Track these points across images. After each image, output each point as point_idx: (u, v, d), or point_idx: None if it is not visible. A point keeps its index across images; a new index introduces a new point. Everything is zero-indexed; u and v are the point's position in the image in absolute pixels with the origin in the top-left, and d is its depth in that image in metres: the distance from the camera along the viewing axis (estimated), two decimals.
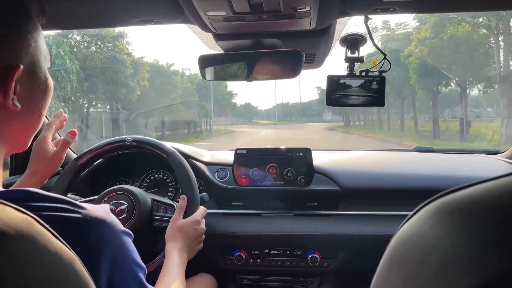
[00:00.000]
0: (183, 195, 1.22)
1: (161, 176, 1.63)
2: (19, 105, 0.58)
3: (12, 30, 0.57)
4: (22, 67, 0.57)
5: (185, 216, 1.18)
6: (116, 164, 1.63)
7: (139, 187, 1.60)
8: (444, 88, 20.10)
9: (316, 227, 1.40)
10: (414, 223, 0.35)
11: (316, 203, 1.46)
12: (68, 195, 1.33)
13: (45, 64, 0.65)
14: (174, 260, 1.05)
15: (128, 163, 1.63)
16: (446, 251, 0.28)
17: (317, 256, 1.39)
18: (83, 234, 0.54)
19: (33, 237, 0.38)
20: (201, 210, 1.23)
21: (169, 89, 24.06)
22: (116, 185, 1.63)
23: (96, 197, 1.25)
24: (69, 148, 1.69)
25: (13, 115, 0.58)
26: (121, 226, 0.61)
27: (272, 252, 1.42)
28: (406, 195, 1.42)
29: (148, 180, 1.63)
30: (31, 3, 0.61)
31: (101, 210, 0.58)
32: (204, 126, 33.28)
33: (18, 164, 1.52)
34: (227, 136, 31.22)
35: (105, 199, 1.22)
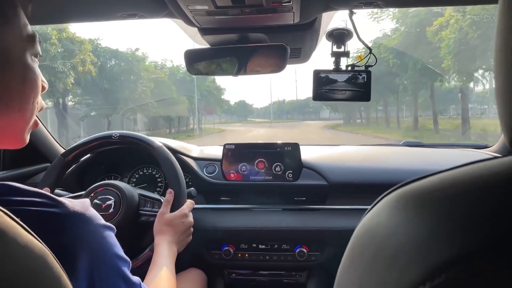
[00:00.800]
0: (170, 189, 1.22)
1: (150, 171, 1.63)
2: None
3: None
4: None
5: (172, 210, 1.19)
6: (105, 160, 1.63)
7: (128, 182, 1.61)
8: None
9: (304, 221, 1.41)
10: (374, 213, 0.36)
11: (304, 198, 1.46)
12: (56, 190, 1.33)
13: (26, 49, 0.58)
14: (164, 253, 1.06)
15: (117, 159, 1.63)
16: (400, 240, 0.29)
17: (305, 250, 1.40)
18: (60, 228, 0.53)
19: (2, 231, 0.38)
20: (188, 203, 1.24)
21: (131, 80, 20.24)
22: (105, 180, 1.63)
23: (83, 192, 1.25)
24: (58, 142, 1.69)
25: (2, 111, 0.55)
26: (101, 221, 0.61)
27: (260, 246, 1.42)
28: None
29: (136, 176, 1.63)
30: None
31: (79, 205, 0.58)
32: (192, 124, 31.38)
33: (6, 159, 1.52)
34: (214, 136, 28.06)
35: (92, 194, 1.22)
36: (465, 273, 0.23)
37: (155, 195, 1.29)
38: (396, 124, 23.88)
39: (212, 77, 25.14)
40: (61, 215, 0.54)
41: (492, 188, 0.28)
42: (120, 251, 0.63)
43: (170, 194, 1.22)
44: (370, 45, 1.24)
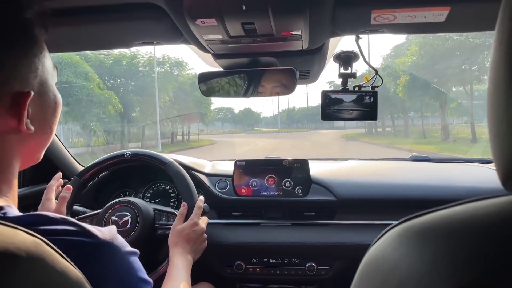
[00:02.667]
0: (184, 203, 1.27)
1: (163, 187, 1.69)
2: (32, 128, 0.60)
3: (19, 58, 0.58)
4: (32, 93, 0.59)
5: (185, 222, 1.23)
6: (120, 177, 1.68)
7: (142, 198, 1.66)
8: None
9: (314, 236, 1.45)
10: (380, 244, 0.39)
11: (313, 213, 1.50)
12: (74, 207, 1.39)
13: (53, 81, 0.67)
14: (178, 264, 1.09)
15: (131, 175, 1.68)
16: (403, 272, 0.32)
17: (314, 265, 1.43)
18: (92, 257, 0.57)
19: (42, 258, 0.41)
20: (196, 210, 1.26)
21: None
22: (120, 196, 1.69)
23: (100, 210, 1.30)
24: (74, 158, 1.75)
25: (26, 136, 0.61)
26: (128, 248, 0.64)
27: (271, 261, 1.46)
28: (401, 204, 1.46)
29: (150, 191, 1.69)
30: (35, 26, 0.62)
31: (108, 233, 0.61)
32: (183, 135, 28.05)
33: (26, 176, 1.58)
34: (186, 152, 17.64)
35: (109, 211, 1.28)
36: None
37: (169, 209, 1.34)
38: (438, 135, 20.96)
39: (190, 72, 23.93)
40: (92, 244, 0.57)
41: (484, 228, 0.31)
42: (144, 274, 0.67)
43: (184, 207, 1.26)
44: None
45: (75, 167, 1.74)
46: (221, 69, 1.25)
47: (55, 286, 0.42)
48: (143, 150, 1.42)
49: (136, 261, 0.65)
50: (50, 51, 0.68)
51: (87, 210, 1.45)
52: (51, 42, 0.67)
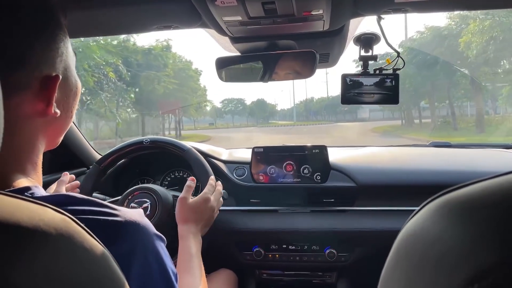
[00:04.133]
0: (192, 177, 1.21)
1: (181, 174, 1.69)
2: (59, 112, 0.61)
3: (48, 42, 0.59)
4: (60, 77, 0.59)
5: (194, 195, 1.16)
6: (138, 164, 1.69)
7: (161, 185, 1.66)
8: None
9: (333, 223, 1.43)
10: (418, 218, 0.38)
11: (332, 199, 1.48)
12: (94, 194, 1.39)
13: (74, 66, 0.67)
14: (192, 250, 1.01)
15: (150, 162, 1.69)
16: (445, 244, 0.31)
17: (334, 251, 1.42)
18: (119, 236, 0.56)
19: (71, 235, 0.41)
20: (209, 185, 1.20)
21: None
22: (138, 184, 1.69)
23: (120, 197, 1.31)
24: (92, 147, 1.76)
25: (52, 120, 0.61)
26: (154, 230, 0.63)
27: (290, 247, 1.45)
28: (422, 190, 1.43)
29: (169, 179, 1.69)
30: (59, 11, 0.62)
31: (136, 214, 0.60)
32: (178, 129, 25.08)
33: (44, 165, 1.59)
34: None
35: (129, 197, 1.28)
36: (510, 276, 0.26)
37: None
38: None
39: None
40: (120, 223, 0.56)
41: None
42: (170, 262, 0.65)
43: (192, 181, 1.18)
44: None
45: (93, 155, 1.75)
46: (239, 54, 1.24)
47: (83, 263, 0.42)
48: (161, 137, 1.42)
49: (163, 247, 0.64)
50: (69, 36, 0.68)
51: (106, 197, 1.45)
52: (70, 27, 0.67)
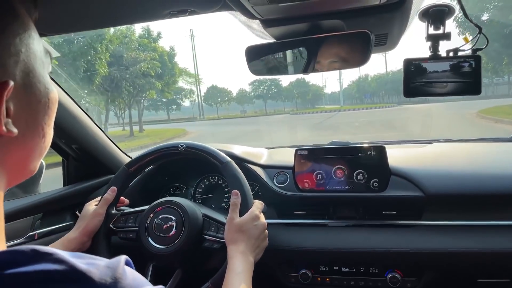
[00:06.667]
0: (235, 191, 1.09)
1: (216, 180, 1.50)
2: (15, 130, 0.45)
3: None
4: (12, 83, 0.43)
5: (241, 214, 1.06)
6: (169, 169, 1.52)
7: (194, 193, 1.49)
8: None
9: (396, 240, 1.18)
10: None
11: (394, 212, 1.23)
12: (113, 211, 1.24)
13: (45, 70, 0.52)
14: (238, 268, 0.95)
15: (181, 168, 1.51)
16: None
17: (398, 276, 1.17)
18: None
19: None
20: (257, 203, 1.11)
21: None
22: (170, 191, 1.53)
23: (146, 209, 1.15)
24: (123, 151, 1.62)
25: (10, 141, 0.46)
26: None
27: (343, 270, 1.22)
28: (509, 200, 1.15)
29: (203, 185, 1.51)
30: None
31: (112, 272, 0.42)
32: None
33: (70, 173, 1.48)
34: None
35: (151, 215, 1.11)
36: None
37: (221, 218, 1.13)
38: None
39: None
40: None
41: None
42: None
43: (236, 195, 1.09)
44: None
45: (123, 160, 1.60)
46: (274, 40, 1.01)
47: None
48: (198, 144, 1.23)
49: None
50: (68, 31, 0.51)
51: (128, 209, 1.30)
52: (70, 19, 0.49)
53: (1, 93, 0.43)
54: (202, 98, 49.98)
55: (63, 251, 0.42)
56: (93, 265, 0.41)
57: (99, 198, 1.21)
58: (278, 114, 42.01)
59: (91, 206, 1.19)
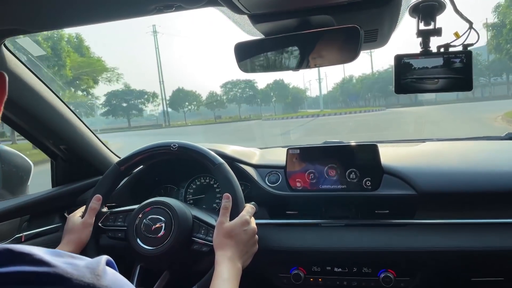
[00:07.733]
0: (227, 194, 1.06)
1: (207, 181, 1.48)
2: None
3: None
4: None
5: (231, 218, 1.04)
6: (160, 169, 1.50)
7: (185, 193, 1.47)
8: None
9: (389, 239, 1.17)
10: None
11: (387, 211, 1.21)
12: (107, 205, 1.22)
13: None
14: (224, 274, 0.93)
15: (172, 167, 1.49)
16: None
17: (391, 275, 1.15)
18: None
19: None
20: (248, 207, 1.09)
21: None
22: (160, 192, 1.51)
23: (135, 208, 1.13)
24: (112, 152, 1.59)
25: None
26: None
27: (335, 270, 1.20)
28: (503, 198, 1.14)
29: (194, 186, 1.49)
30: None
31: (91, 272, 0.41)
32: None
33: (58, 175, 1.45)
34: None
35: (140, 215, 1.09)
36: None
37: (211, 220, 1.11)
38: None
39: None
40: None
41: None
42: None
43: (227, 199, 1.06)
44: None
45: (113, 161, 1.58)
46: (262, 37, 0.99)
47: None
48: (190, 144, 1.21)
49: None
50: (52, 28, 0.49)
51: (118, 208, 1.27)
52: (51, 16, 0.47)
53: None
54: (167, 102, 46.35)
55: (41, 248, 0.40)
56: (72, 264, 0.40)
57: (83, 208, 1.18)
58: (253, 120, 38.62)
59: (76, 217, 1.16)
